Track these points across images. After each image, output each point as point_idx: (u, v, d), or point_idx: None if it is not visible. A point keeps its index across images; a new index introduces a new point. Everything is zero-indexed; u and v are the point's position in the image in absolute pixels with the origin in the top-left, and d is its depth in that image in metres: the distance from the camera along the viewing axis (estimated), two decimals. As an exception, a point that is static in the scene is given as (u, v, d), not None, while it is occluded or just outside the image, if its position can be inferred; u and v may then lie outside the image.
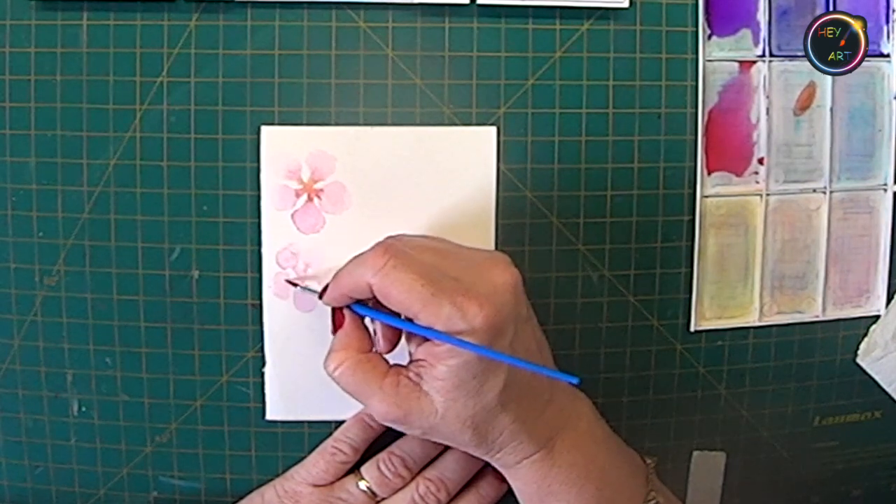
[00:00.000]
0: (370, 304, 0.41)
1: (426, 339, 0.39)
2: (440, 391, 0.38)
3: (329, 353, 0.41)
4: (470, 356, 0.37)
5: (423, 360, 0.39)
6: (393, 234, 0.41)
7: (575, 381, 0.36)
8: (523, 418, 0.40)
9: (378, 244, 0.39)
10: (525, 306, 0.40)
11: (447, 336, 0.37)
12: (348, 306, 0.41)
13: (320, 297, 0.42)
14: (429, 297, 0.36)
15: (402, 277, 0.37)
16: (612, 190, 0.47)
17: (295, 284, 0.45)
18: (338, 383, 0.40)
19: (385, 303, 0.38)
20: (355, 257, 0.40)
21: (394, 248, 0.38)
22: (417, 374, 0.39)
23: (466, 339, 0.37)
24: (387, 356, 0.42)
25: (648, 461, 0.45)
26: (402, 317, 0.40)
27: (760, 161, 0.48)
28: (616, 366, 0.48)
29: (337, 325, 0.41)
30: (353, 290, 0.39)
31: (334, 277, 0.41)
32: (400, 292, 0.37)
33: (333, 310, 0.42)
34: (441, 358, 0.38)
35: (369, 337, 0.41)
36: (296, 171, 0.45)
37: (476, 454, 0.41)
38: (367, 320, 0.42)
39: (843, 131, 0.49)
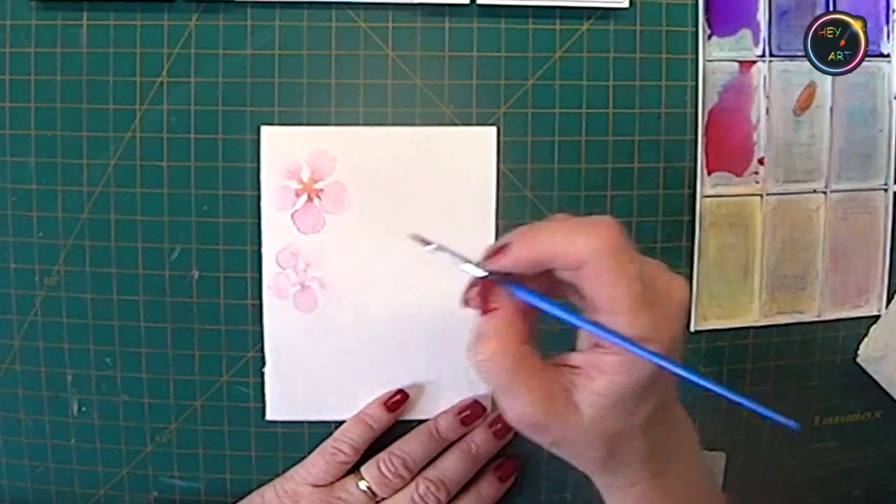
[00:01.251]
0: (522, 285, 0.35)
1: (592, 347, 0.35)
2: (593, 405, 0.34)
3: (479, 336, 0.34)
4: (641, 376, 0.33)
5: (580, 368, 0.35)
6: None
7: (795, 426, 0.33)
8: (653, 443, 0.36)
9: (600, 220, 0.33)
10: None
11: (636, 345, 0.33)
12: (510, 288, 0.35)
13: (489, 257, 0.35)
14: (637, 302, 0.32)
15: (625, 269, 0.32)
16: (612, 190, 0.47)
17: (428, 242, 0.37)
18: (479, 372, 0.34)
19: (579, 285, 0.33)
20: (562, 223, 0.34)
21: (620, 231, 0.33)
22: (571, 382, 0.35)
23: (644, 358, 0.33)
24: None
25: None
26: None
27: (760, 161, 0.48)
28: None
29: (488, 306, 0.35)
30: (560, 261, 0.33)
31: (524, 237, 0.34)
32: (612, 285, 0.32)
33: (483, 284, 0.35)
34: (607, 371, 0.34)
35: (528, 327, 0.35)
36: (296, 171, 0.45)
37: (585, 469, 0.37)
38: None
39: (843, 131, 0.49)
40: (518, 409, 0.34)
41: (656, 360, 0.32)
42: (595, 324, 0.33)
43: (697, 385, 0.33)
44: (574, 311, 0.34)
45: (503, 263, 0.34)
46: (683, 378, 0.33)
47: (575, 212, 0.47)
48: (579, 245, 0.33)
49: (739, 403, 0.34)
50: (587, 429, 0.34)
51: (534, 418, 0.34)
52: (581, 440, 0.35)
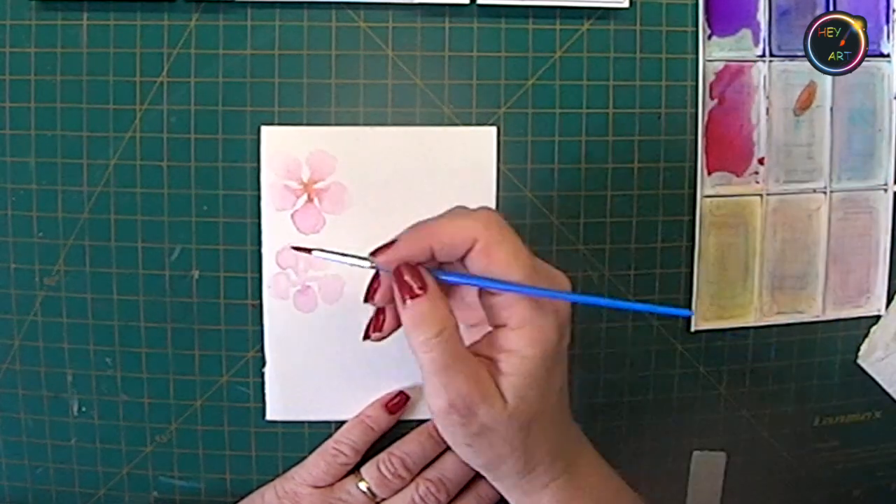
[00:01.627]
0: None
1: (496, 330, 0.37)
2: (511, 387, 0.36)
3: (420, 317, 0.36)
4: (547, 347, 0.36)
5: (493, 355, 0.37)
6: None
7: (689, 313, 0.36)
8: (558, 436, 0.39)
9: (480, 208, 0.37)
10: None
11: (541, 289, 0.36)
12: (432, 274, 0.37)
13: (379, 252, 0.37)
14: (531, 271, 0.36)
15: (513, 242, 0.36)
16: (612, 190, 0.47)
17: (308, 251, 0.39)
18: (424, 352, 0.36)
19: (479, 262, 0.36)
20: (444, 215, 0.37)
21: (502, 217, 0.37)
22: (490, 370, 0.37)
23: (546, 326, 0.36)
24: None
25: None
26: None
27: (760, 161, 0.48)
28: (616, 366, 0.48)
29: (406, 292, 0.36)
30: (450, 242, 0.36)
31: (410, 230, 0.37)
32: (508, 254, 0.36)
33: (396, 273, 0.37)
34: (516, 348, 0.36)
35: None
36: (296, 171, 0.45)
37: (500, 473, 0.39)
38: None
39: (843, 131, 0.49)
40: (454, 391, 0.36)
41: (562, 296, 0.36)
42: (500, 282, 0.36)
43: (600, 305, 0.38)
44: (489, 279, 0.36)
45: (391, 256, 0.36)
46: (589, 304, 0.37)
47: (575, 212, 0.47)
48: (467, 226, 0.36)
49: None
50: (510, 414, 0.36)
51: (468, 399, 0.36)
52: (503, 427, 0.36)
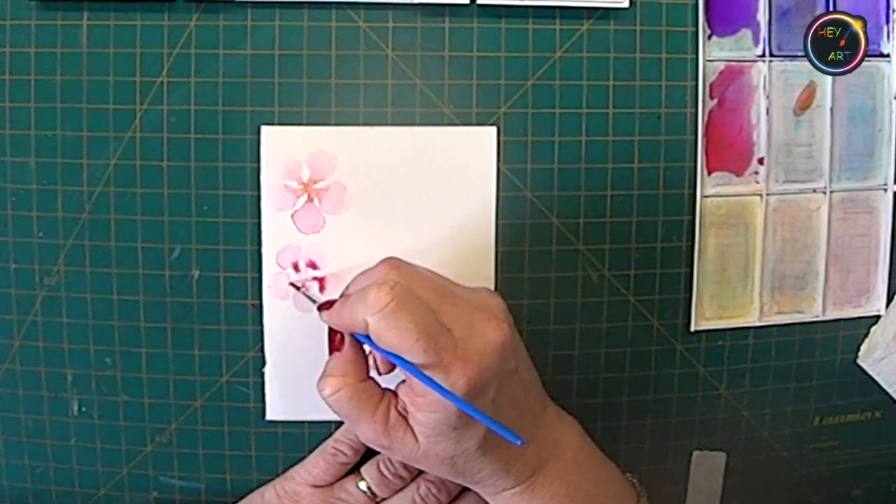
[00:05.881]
0: None
1: (409, 384, 0.39)
2: (421, 433, 0.39)
3: (325, 375, 0.40)
4: (448, 413, 0.37)
5: (409, 404, 0.39)
6: (395, 257, 0.40)
7: (518, 442, 0.36)
8: (504, 459, 0.40)
9: (384, 281, 0.37)
10: (513, 359, 0.39)
11: (432, 382, 0.36)
12: (353, 335, 0.40)
13: (319, 309, 0.41)
14: (420, 353, 0.36)
15: (399, 324, 0.36)
16: (612, 190, 0.47)
17: (297, 287, 0.45)
18: (329, 406, 0.39)
19: (376, 342, 0.37)
20: (361, 280, 0.39)
21: (399, 288, 0.36)
22: (405, 409, 0.39)
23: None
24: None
25: (639, 488, 0.45)
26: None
27: (760, 161, 0.48)
28: (616, 366, 0.48)
29: (334, 346, 0.40)
30: (351, 324, 0.38)
31: (339, 301, 0.40)
32: (393, 338, 0.36)
33: (330, 328, 0.41)
34: (421, 408, 0.38)
35: (367, 364, 0.41)
36: (296, 171, 0.45)
37: (455, 482, 0.42)
38: None
39: (843, 131, 0.49)
40: (364, 433, 0.39)
41: (436, 389, 0.36)
42: (406, 362, 0.37)
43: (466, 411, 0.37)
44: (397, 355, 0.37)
45: (324, 317, 0.40)
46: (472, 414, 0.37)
47: (575, 212, 0.47)
48: (358, 315, 0.37)
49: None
50: (425, 453, 0.39)
51: (377, 441, 0.39)
52: (424, 461, 0.39)
